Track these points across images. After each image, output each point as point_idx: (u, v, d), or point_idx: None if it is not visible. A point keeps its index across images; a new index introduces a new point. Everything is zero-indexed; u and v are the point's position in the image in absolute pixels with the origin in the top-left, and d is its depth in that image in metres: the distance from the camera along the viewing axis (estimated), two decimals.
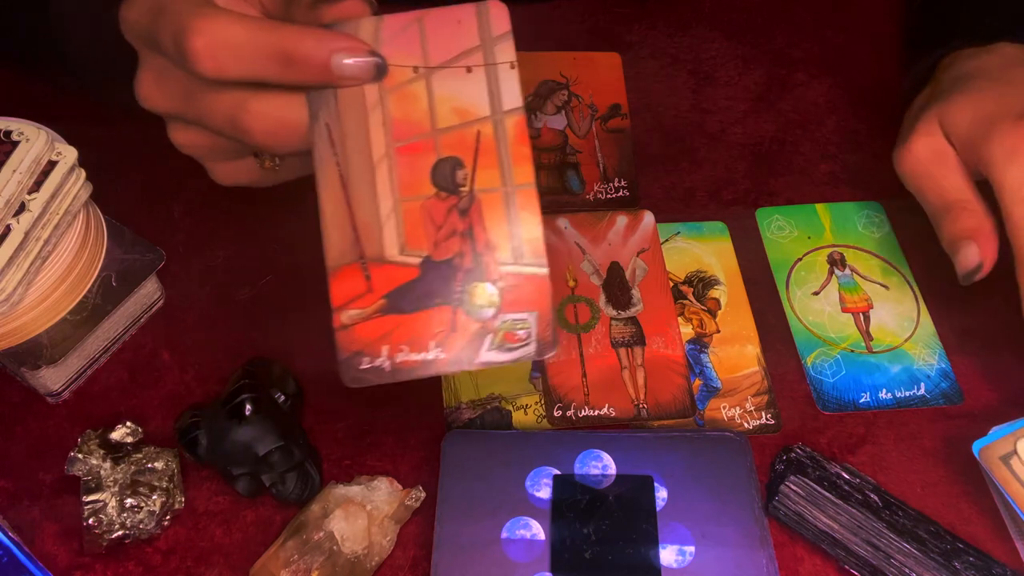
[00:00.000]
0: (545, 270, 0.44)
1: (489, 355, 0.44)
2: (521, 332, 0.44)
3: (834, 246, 0.69)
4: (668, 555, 0.53)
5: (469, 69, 0.45)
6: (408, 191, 0.44)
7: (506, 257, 0.44)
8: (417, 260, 0.44)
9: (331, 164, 0.44)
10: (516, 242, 0.44)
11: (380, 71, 0.44)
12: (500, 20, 0.46)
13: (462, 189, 0.44)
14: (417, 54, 0.44)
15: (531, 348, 0.44)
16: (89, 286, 0.60)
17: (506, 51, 0.45)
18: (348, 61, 0.44)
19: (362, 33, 0.44)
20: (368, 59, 0.44)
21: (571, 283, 0.66)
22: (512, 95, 0.45)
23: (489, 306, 0.44)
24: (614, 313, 0.65)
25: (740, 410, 0.61)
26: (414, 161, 0.44)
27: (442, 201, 0.44)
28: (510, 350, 0.44)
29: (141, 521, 0.54)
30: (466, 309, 0.44)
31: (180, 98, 0.48)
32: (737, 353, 0.63)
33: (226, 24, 0.44)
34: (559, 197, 0.72)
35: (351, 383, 0.44)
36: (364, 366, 0.43)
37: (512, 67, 0.45)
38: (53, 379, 0.59)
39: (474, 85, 0.45)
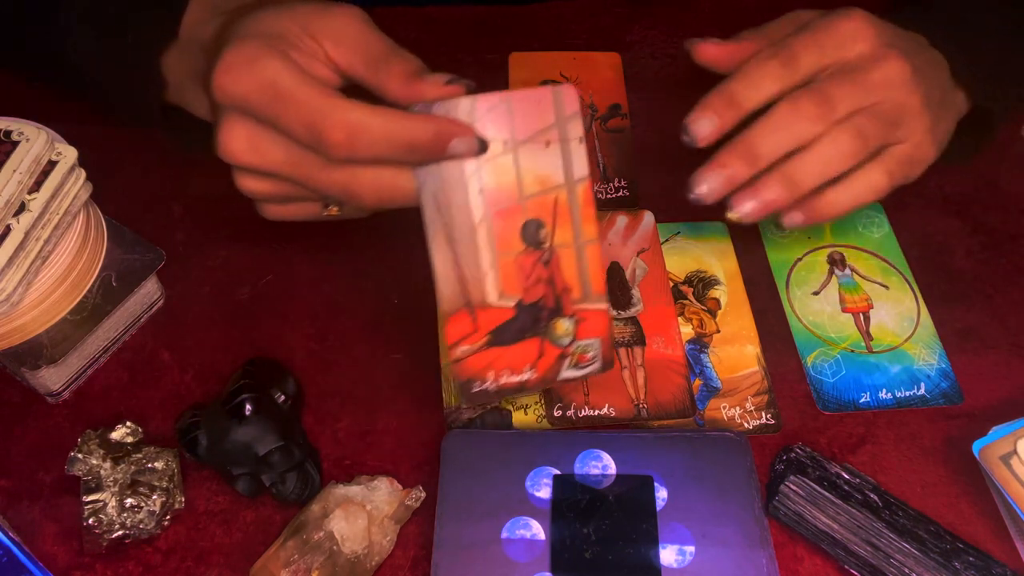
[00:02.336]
0: (606, 305, 0.55)
1: (567, 373, 0.55)
2: (590, 354, 0.56)
3: (834, 246, 0.69)
4: (668, 555, 0.53)
5: (548, 143, 0.52)
6: (503, 247, 0.52)
7: (578, 297, 0.55)
8: (512, 303, 0.53)
9: (439, 227, 0.51)
10: (585, 284, 0.54)
11: (483, 149, 0.51)
12: (571, 101, 0.53)
13: (544, 245, 0.53)
14: (505, 130, 0.51)
15: (598, 365, 0.56)
16: (89, 286, 0.60)
17: (576, 128, 0.53)
18: (461, 144, 0.50)
19: (460, 111, 0.51)
20: (475, 141, 0.51)
21: None
22: (581, 165, 0.53)
23: (567, 336, 0.55)
24: (614, 313, 0.65)
25: (740, 410, 0.61)
26: (507, 223, 0.52)
27: (529, 255, 0.53)
28: (583, 368, 0.56)
29: (141, 521, 0.54)
30: (550, 339, 0.55)
31: (283, 164, 0.52)
32: (737, 353, 0.63)
33: (362, 115, 0.49)
34: None
35: (468, 404, 0.59)
36: (476, 389, 0.54)
37: (580, 141, 0.53)
38: (53, 379, 0.59)
39: (552, 157, 0.53)
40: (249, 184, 0.54)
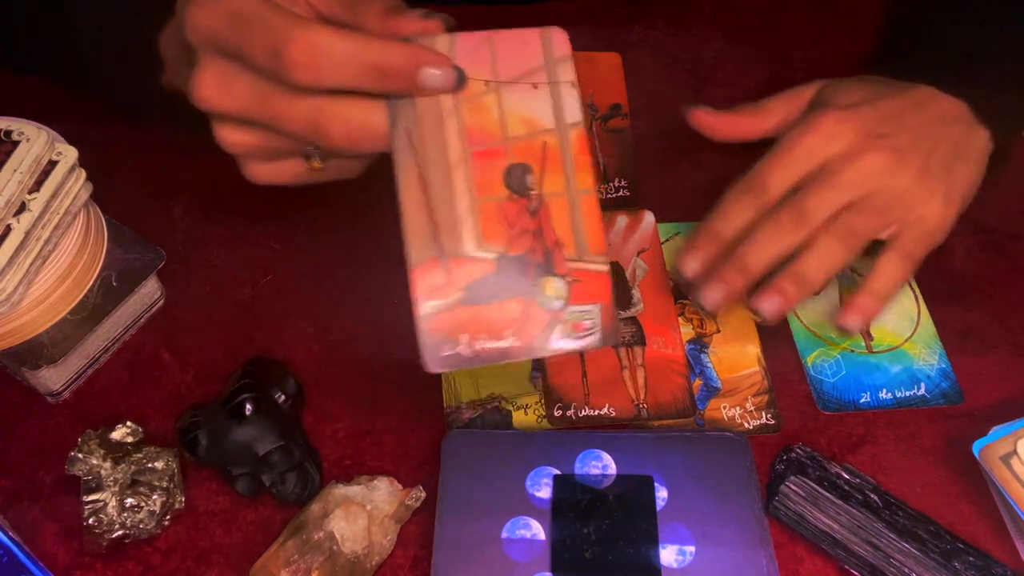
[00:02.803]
0: (607, 266, 0.49)
1: (560, 343, 0.48)
2: (587, 322, 0.48)
3: None
4: (668, 555, 0.53)
5: (535, 85, 0.49)
6: (483, 192, 0.48)
7: (572, 254, 0.48)
8: (493, 255, 0.47)
9: (411, 166, 0.47)
10: (580, 240, 0.48)
11: (460, 82, 0.48)
12: (562, 44, 0.50)
13: (532, 192, 0.48)
14: (488, 70, 0.48)
15: (597, 337, 0.48)
16: (89, 286, 0.60)
17: (567, 71, 0.50)
18: (435, 73, 0.47)
19: (438, 48, 0.48)
20: (452, 71, 0.47)
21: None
22: (574, 110, 0.49)
23: (558, 298, 0.48)
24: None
25: (740, 410, 0.61)
26: (488, 165, 0.48)
27: (514, 203, 0.48)
28: (578, 338, 0.48)
29: (141, 521, 0.54)
30: (538, 301, 0.48)
31: (251, 101, 0.49)
32: (737, 353, 0.63)
33: (326, 36, 0.46)
34: None
35: (435, 368, 0.47)
36: (446, 352, 0.47)
37: (573, 86, 0.49)
38: (53, 379, 0.59)
39: (540, 100, 0.49)
40: (227, 134, 0.52)
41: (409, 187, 0.47)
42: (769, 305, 0.57)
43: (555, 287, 0.48)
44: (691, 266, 0.59)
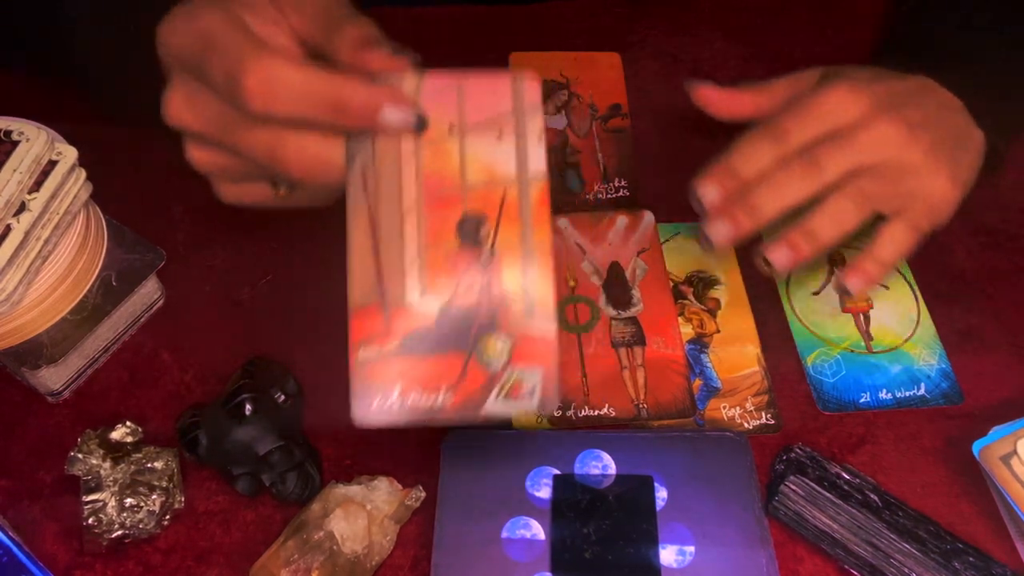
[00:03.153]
0: (554, 331, 0.46)
1: (495, 406, 0.46)
2: (527, 386, 0.46)
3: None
4: (668, 555, 0.53)
5: (500, 135, 0.47)
6: (434, 240, 0.46)
7: (519, 314, 0.46)
8: (436, 307, 0.46)
9: (362, 208, 0.46)
10: (529, 301, 0.46)
11: (420, 126, 0.47)
12: (532, 93, 0.48)
13: (484, 244, 0.46)
14: (453, 113, 0.47)
15: (534, 402, 0.46)
16: (89, 286, 0.60)
17: (535, 121, 0.48)
18: (394, 113, 0.46)
19: (404, 87, 0.47)
20: (411, 114, 0.46)
21: (571, 283, 0.66)
22: (537, 163, 0.47)
23: (499, 358, 0.46)
24: (614, 313, 0.65)
25: (740, 410, 0.61)
26: (442, 213, 0.46)
27: (464, 254, 0.46)
28: (514, 401, 0.46)
29: (141, 521, 0.54)
30: (478, 358, 0.46)
31: (214, 123, 0.49)
32: (737, 353, 0.63)
33: (281, 67, 0.45)
34: (559, 197, 0.72)
35: (361, 421, 0.45)
36: (375, 405, 0.45)
37: (540, 138, 0.47)
38: (53, 379, 0.59)
39: (503, 149, 0.47)
40: (194, 153, 0.52)
41: (358, 228, 0.46)
42: (780, 257, 0.57)
43: (497, 347, 0.46)
44: (710, 193, 0.58)
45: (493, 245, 0.46)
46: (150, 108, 0.61)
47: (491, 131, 0.47)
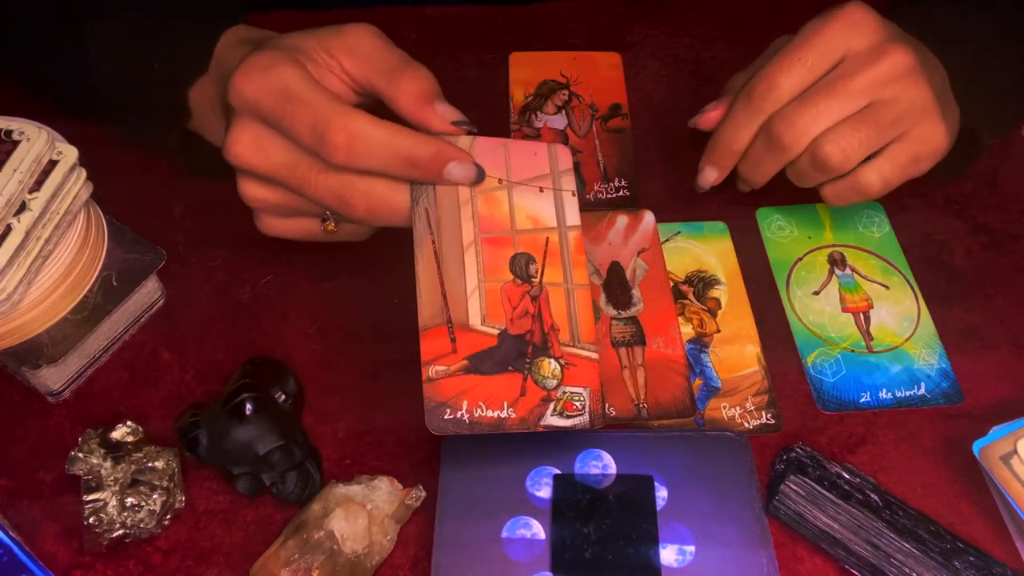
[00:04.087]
0: (597, 355, 0.54)
1: (552, 420, 0.52)
2: (578, 403, 0.53)
3: (834, 246, 0.69)
4: (668, 555, 0.53)
5: (541, 189, 0.56)
6: (490, 274, 0.53)
7: (566, 339, 0.53)
8: (496, 331, 0.53)
9: (428, 241, 0.53)
10: (574, 328, 0.54)
11: (480, 178, 0.55)
12: (565, 159, 0.58)
13: (533, 280, 0.54)
14: (501, 170, 0.55)
15: (585, 418, 0.53)
16: (90, 285, 0.60)
17: (569, 182, 0.57)
18: (459, 168, 0.54)
19: (461, 146, 0.55)
20: (473, 168, 0.55)
21: None
22: (574, 215, 0.56)
23: (553, 377, 0.53)
24: (614, 313, 0.65)
25: (740, 410, 0.61)
26: (496, 251, 0.54)
27: (517, 287, 0.54)
28: (568, 417, 0.52)
29: (141, 520, 0.54)
30: (534, 378, 0.53)
31: (283, 167, 0.54)
32: (737, 353, 0.63)
33: (365, 124, 0.52)
34: None
35: (435, 431, 0.52)
36: (447, 416, 0.51)
37: (573, 195, 0.57)
38: (54, 378, 0.59)
39: (544, 202, 0.56)
40: (251, 190, 0.56)
41: (425, 259, 0.52)
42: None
43: (550, 367, 0.53)
44: (709, 177, 0.67)
45: (541, 280, 0.54)
46: (166, 142, 0.64)
47: (533, 186, 0.56)
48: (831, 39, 0.60)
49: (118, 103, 0.65)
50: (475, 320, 0.52)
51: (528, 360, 0.53)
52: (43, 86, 0.71)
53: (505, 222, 0.54)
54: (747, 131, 0.63)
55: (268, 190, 0.56)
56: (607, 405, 0.60)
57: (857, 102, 0.60)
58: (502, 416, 0.52)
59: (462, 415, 0.51)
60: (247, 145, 0.54)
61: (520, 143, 0.57)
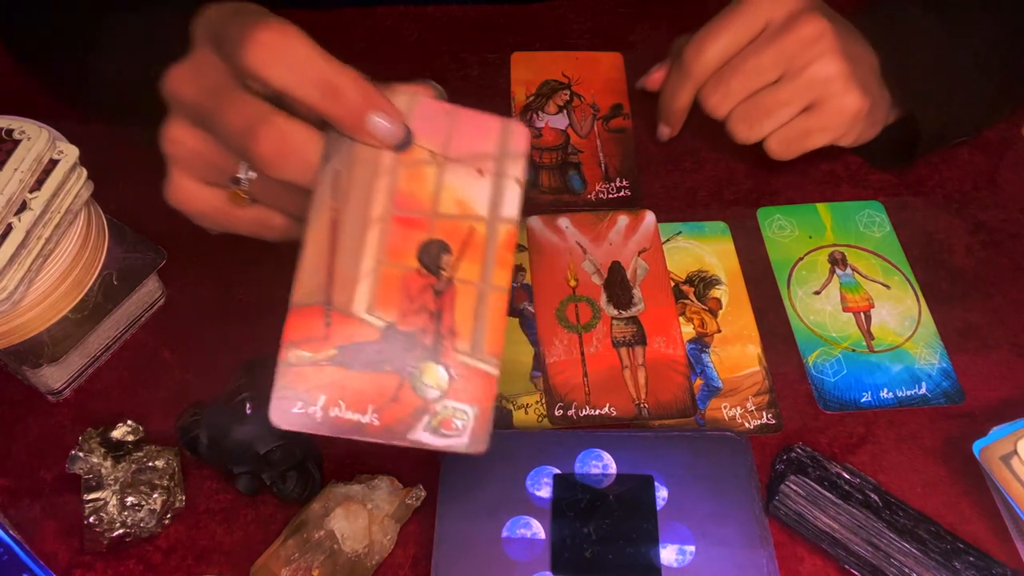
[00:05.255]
0: (497, 372, 0.46)
1: (421, 435, 0.45)
2: (459, 422, 0.45)
3: (835, 245, 0.69)
4: (668, 554, 0.53)
5: (481, 172, 0.47)
6: (392, 258, 0.46)
7: (465, 348, 0.45)
8: (381, 324, 0.45)
9: (327, 207, 0.45)
10: (477, 337, 0.46)
11: (404, 144, 0.47)
12: (520, 141, 0.48)
13: (443, 272, 0.46)
14: (439, 142, 0.47)
15: (464, 440, 0.45)
16: (90, 285, 0.60)
17: (517, 168, 0.48)
18: (383, 122, 0.46)
19: (397, 102, 0.46)
20: (401, 128, 0.46)
21: (572, 283, 0.66)
22: (512, 207, 0.47)
23: (436, 388, 0.45)
24: (615, 313, 0.65)
25: (741, 410, 0.61)
26: (406, 233, 0.46)
27: (420, 277, 0.46)
28: (443, 436, 0.45)
29: (142, 519, 0.54)
30: (413, 384, 0.45)
31: (207, 91, 0.49)
32: (738, 353, 0.63)
33: (293, 36, 0.46)
34: (561, 197, 0.72)
35: (277, 420, 0.44)
36: (296, 410, 0.44)
37: (518, 183, 0.48)
38: (54, 377, 0.59)
39: (480, 187, 0.47)
40: (172, 130, 0.51)
41: (318, 226, 0.45)
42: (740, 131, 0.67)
43: (436, 375, 0.45)
44: (663, 133, 0.74)
45: (451, 275, 0.46)
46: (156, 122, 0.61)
47: (471, 167, 0.47)
48: (755, 9, 0.66)
49: (109, 93, 0.65)
50: (359, 307, 0.45)
51: (412, 363, 0.45)
52: (41, 68, 0.70)
53: (426, 203, 0.46)
54: (684, 93, 0.69)
55: (188, 130, 0.51)
56: (607, 405, 0.60)
57: (767, 76, 0.65)
58: (363, 421, 0.44)
59: (315, 411, 0.44)
60: (185, 71, 0.50)
61: (472, 113, 0.48)
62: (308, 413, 0.44)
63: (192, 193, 0.53)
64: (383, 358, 0.45)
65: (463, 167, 0.47)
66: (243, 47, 0.46)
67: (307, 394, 0.44)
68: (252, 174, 0.50)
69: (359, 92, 0.46)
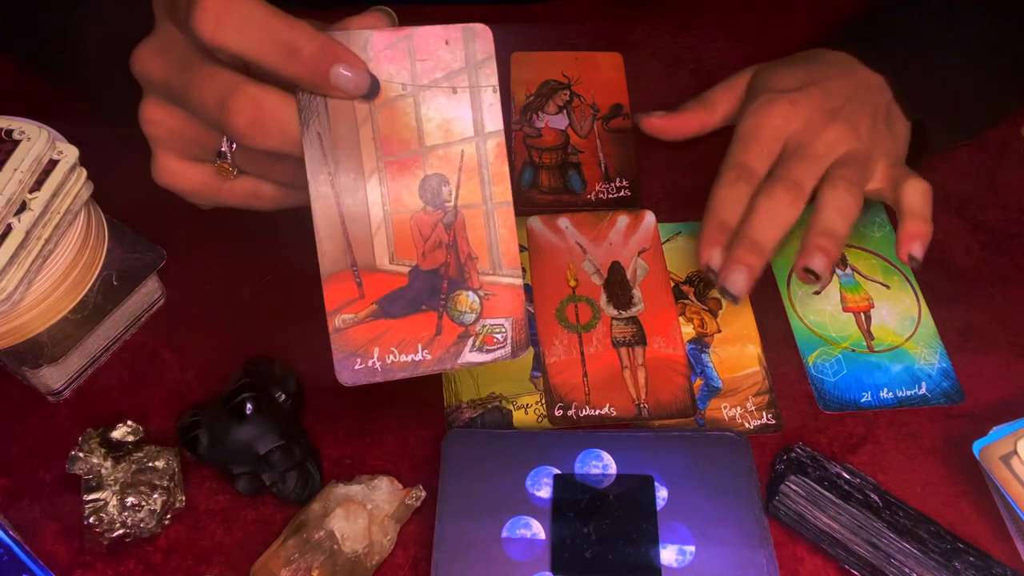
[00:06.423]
0: (520, 280, 0.49)
1: (471, 356, 0.49)
2: (499, 336, 0.49)
3: None
4: (668, 555, 0.53)
5: (455, 90, 0.47)
6: (397, 204, 0.47)
7: (486, 268, 0.49)
8: (406, 269, 0.47)
9: (324, 174, 0.46)
10: (495, 254, 0.49)
11: (372, 91, 0.46)
12: (485, 44, 0.48)
13: (447, 204, 0.48)
14: (405, 71, 0.47)
15: (507, 350, 0.49)
16: (90, 285, 0.60)
17: (489, 75, 0.48)
18: (346, 74, 0.45)
19: (352, 45, 0.46)
20: (365, 77, 0.46)
21: (572, 283, 0.66)
22: (494, 118, 0.48)
23: (471, 312, 0.49)
24: (615, 313, 0.65)
25: (741, 410, 0.61)
26: (402, 176, 0.47)
27: (428, 215, 0.48)
28: (488, 351, 0.49)
29: (142, 520, 0.54)
30: (450, 315, 0.48)
31: (175, 67, 0.48)
32: (738, 353, 0.63)
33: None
34: (561, 197, 0.72)
35: (347, 382, 0.48)
36: (358, 366, 0.47)
37: (494, 91, 0.48)
38: (54, 378, 0.59)
39: (459, 106, 0.47)
40: (149, 110, 0.51)
41: (321, 197, 0.46)
42: (819, 263, 0.60)
43: (468, 300, 0.49)
44: (715, 257, 0.61)
45: (455, 204, 0.48)
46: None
47: (445, 87, 0.47)
48: (772, 138, 0.65)
49: (97, 74, 0.64)
50: (382, 260, 0.47)
51: (443, 296, 0.48)
52: (25, 48, 0.70)
53: (412, 140, 0.47)
54: (738, 205, 0.63)
55: (165, 108, 0.50)
56: (607, 405, 0.60)
57: (800, 193, 0.62)
58: (416, 359, 0.48)
59: (374, 363, 0.47)
60: (150, 49, 0.49)
61: (428, 29, 0.47)
62: (369, 367, 0.47)
63: (178, 172, 0.53)
64: (418, 299, 0.48)
65: (437, 90, 0.47)
66: (193, 14, 0.44)
67: (363, 351, 0.47)
68: (235, 146, 0.50)
69: (317, 47, 0.45)
